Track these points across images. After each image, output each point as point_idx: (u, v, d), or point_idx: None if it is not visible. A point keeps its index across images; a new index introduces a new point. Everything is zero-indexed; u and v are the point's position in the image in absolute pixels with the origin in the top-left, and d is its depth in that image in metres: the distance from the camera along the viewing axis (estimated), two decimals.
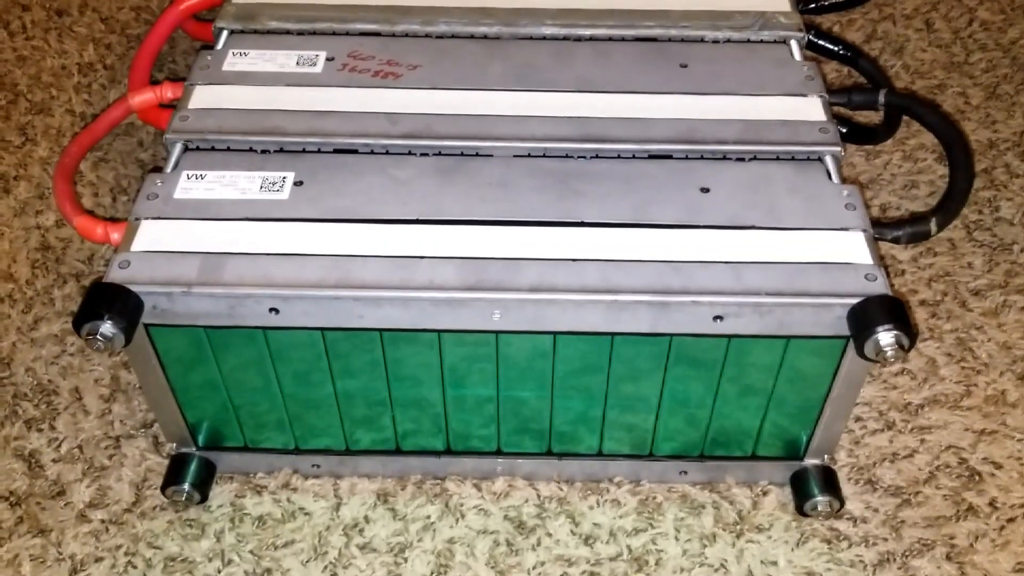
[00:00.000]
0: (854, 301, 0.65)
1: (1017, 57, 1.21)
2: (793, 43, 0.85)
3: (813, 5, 0.99)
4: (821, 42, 0.95)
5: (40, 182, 1.05)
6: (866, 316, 0.64)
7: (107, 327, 0.63)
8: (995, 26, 1.26)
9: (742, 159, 0.75)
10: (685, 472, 0.80)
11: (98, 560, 0.75)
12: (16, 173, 1.06)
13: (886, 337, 0.63)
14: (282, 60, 0.82)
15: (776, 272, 0.66)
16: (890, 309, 0.64)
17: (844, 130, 0.89)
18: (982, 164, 1.07)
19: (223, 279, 0.65)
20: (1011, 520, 0.78)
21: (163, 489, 0.78)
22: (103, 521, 0.78)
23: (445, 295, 0.65)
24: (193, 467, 0.78)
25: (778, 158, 0.75)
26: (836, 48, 0.95)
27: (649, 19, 0.86)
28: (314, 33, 0.85)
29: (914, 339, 0.63)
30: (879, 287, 0.65)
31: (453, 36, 0.85)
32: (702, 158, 0.75)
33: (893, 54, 1.21)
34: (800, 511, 0.78)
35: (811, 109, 0.78)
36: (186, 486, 0.77)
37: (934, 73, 1.19)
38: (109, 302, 0.64)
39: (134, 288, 0.65)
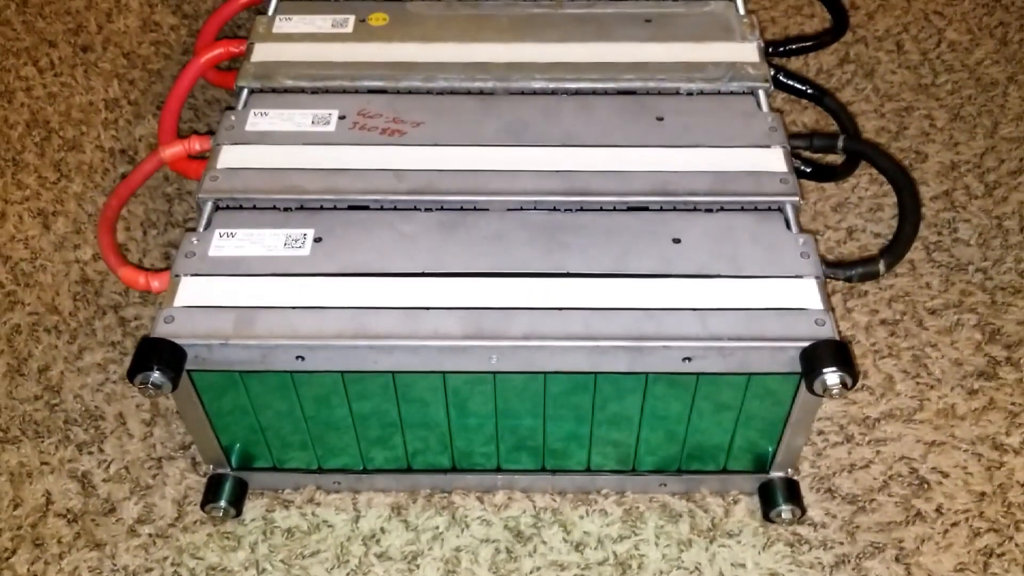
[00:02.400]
0: (805, 344, 0.74)
1: (981, 78, 1.29)
2: (760, 93, 0.94)
3: (782, 49, 1.08)
4: (790, 82, 1.04)
5: (76, 217, 1.14)
6: (815, 358, 0.73)
7: (157, 376, 0.73)
8: (962, 47, 1.34)
9: (710, 210, 0.84)
10: (665, 484, 0.89)
11: (148, 571, 0.86)
12: (54, 209, 1.15)
13: (832, 378, 0.72)
14: (299, 119, 0.91)
15: (737, 318, 0.76)
16: (836, 352, 0.73)
17: (808, 170, 0.98)
18: (943, 186, 1.16)
19: (255, 332, 0.75)
20: (955, 524, 0.88)
21: (202, 506, 0.88)
22: (150, 535, 0.88)
23: (449, 343, 0.75)
24: (228, 486, 0.88)
25: (743, 208, 0.84)
26: (803, 88, 1.04)
27: (629, 71, 0.95)
28: (326, 91, 0.94)
29: (856, 379, 0.73)
30: (827, 331, 0.75)
31: (452, 92, 0.94)
32: (675, 209, 0.84)
33: (864, 77, 1.29)
34: (766, 518, 0.87)
35: (773, 160, 0.87)
36: (223, 503, 0.87)
37: (902, 96, 1.27)
38: (158, 355, 0.74)
39: (178, 341, 0.75)
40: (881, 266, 0.83)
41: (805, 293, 0.77)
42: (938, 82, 1.29)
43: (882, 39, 1.35)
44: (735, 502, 0.89)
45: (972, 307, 1.04)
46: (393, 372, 0.77)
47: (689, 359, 0.75)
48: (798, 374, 0.76)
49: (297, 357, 0.76)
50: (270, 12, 1.02)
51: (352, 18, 1.01)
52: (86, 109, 1.27)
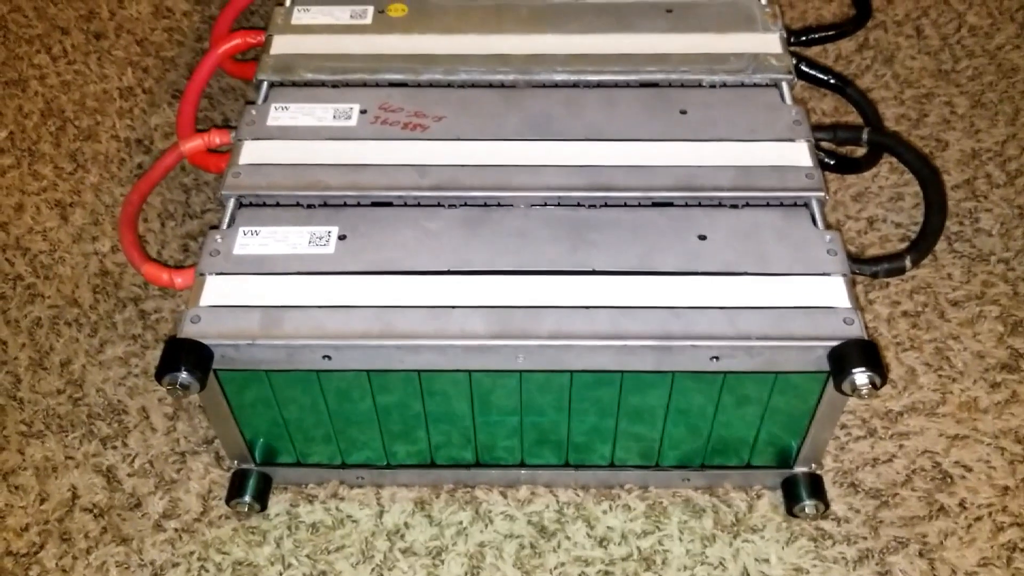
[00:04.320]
0: (834, 344, 0.74)
1: (1002, 64, 1.28)
2: (784, 85, 0.93)
3: (804, 38, 1.07)
4: (812, 72, 1.03)
5: (94, 208, 1.14)
6: (844, 358, 0.73)
7: (184, 377, 0.73)
8: (983, 31, 1.33)
9: (736, 206, 0.83)
10: (688, 479, 0.89)
11: (175, 565, 0.86)
12: (71, 200, 1.15)
13: (861, 378, 0.72)
14: (320, 113, 0.91)
15: (765, 317, 0.75)
16: (865, 352, 0.73)
17: (832, 162, 0.98)
18: (964, 175, 1.15)
19: (282, 332, 0.75)
20: (978, 519, 0.88)
21: (227, 501, 0.88)
22: (176, 530, 0.88)
23: (475, 342, 0.75)
24: (253, 481, 0.89)
25: (768, 204, 0.83)
26: (826, 78, 1.03)
27: (651, 63, 0.94)
28: (347, 84, 0.94)
29: (885, 379, 0.73)
30: (855, 331, 0.74)
31: (473, 85, 0.93)
32: (700, 205, 0.84)
33: (884, 63, 1.28)
34: (790, 513, 0.88)
35: (798, 154, 0.86)
36: (247, 498, 0.88)
37: (922, 82, 1.26)
38: (185, 356, 0.74)
39: (205, 341, 0.74)
40: (907, 262, 0.83)
41: (833, 291, 0.77)
42: (959, 68, 1.28)
43: (902, 24, 1.34)
44: (758, 497, 0.89)
45: (994, 298, 1.03)
46: (419, 371, 0.77)
47: (717, 358, 0.75)
48: (826, 372, 0.76)
49: (324, 356, 0.75)
50: (288, 2, 1.02)
51: (371, 9, 1.01)
52: (100, 98, 1.26)
